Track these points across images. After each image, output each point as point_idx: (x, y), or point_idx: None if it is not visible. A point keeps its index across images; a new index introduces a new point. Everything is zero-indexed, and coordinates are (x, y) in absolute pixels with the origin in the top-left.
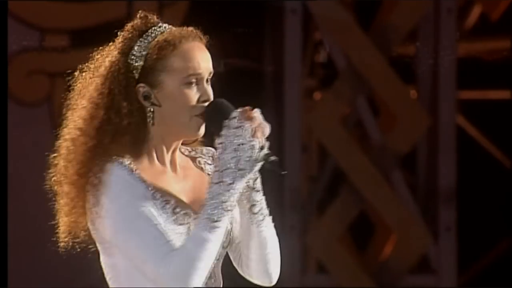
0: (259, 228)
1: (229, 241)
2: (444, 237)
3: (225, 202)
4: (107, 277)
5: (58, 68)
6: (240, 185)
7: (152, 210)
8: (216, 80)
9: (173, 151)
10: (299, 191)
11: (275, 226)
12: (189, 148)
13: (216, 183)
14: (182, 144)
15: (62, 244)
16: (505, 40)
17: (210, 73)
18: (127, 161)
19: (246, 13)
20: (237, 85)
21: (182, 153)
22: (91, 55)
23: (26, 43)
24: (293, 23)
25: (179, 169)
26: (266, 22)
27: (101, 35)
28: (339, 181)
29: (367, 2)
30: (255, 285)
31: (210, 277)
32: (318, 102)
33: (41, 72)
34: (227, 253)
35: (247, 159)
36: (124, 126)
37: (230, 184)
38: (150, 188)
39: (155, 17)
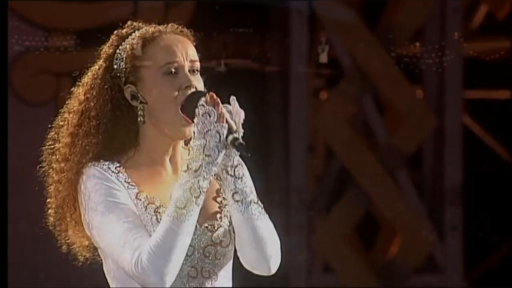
0: (245, 215)
1: (229, 240)
2: (450, 237)
3: (191, 188)
4: (108, 279)
5: (63, 68)
6: (208, 171)
7: (131, 208)
8: (221, 80)
9: (174, 151)
10: (305, 191)
11: (281, 225)
12: None
13: (185, 170)
14: None
15: (83, 258)
16: (508, 40)
17: (193, 62)
18: (103, 161)
19: (251, 13)
20: (242, 85)
21: None
22: (96, 54)
23: (30, 43)
24: (299, 24)
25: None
26: (272, 22)
27: (106, 35)
28: (345, 181)
29: (373, 1)
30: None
31: (208, 277)
32: (324, 102)
33: (47, 72)
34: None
35: (214, 144)
36: (95, 128)
37: (196, 170)
38: (132, 188)
39: (140, 23)
